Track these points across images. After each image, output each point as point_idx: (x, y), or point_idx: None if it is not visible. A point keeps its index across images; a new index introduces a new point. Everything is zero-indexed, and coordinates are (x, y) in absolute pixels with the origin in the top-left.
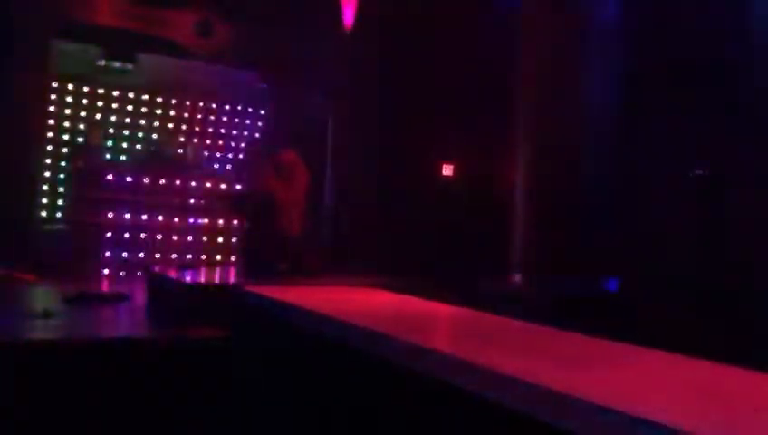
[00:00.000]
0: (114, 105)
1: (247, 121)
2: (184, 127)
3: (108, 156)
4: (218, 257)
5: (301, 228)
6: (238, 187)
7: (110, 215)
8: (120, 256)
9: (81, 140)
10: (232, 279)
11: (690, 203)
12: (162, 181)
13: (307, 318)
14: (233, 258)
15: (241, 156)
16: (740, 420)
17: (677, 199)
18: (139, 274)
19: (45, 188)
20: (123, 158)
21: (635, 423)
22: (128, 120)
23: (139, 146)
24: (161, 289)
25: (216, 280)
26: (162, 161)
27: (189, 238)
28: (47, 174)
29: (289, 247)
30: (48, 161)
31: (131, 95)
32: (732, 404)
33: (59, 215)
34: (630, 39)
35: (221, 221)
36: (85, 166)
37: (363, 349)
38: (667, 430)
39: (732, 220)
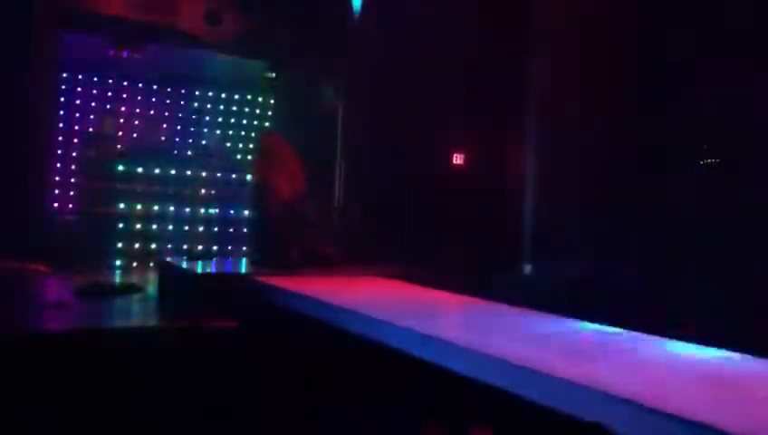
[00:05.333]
0: (124, 95)
1: (257, 111)
2: (194, 117)
3: (119, 146)
4: (229, 247)
5: (295, 197)
6: (248, 177)
7: (122, 205)
8: (132, 246)
9: (91, 130)
10: (243, 269)
11: (702, 191)
12: (173, 171)
13: (318, 308)
14: (244, 248)
15: (251, 145)
16: (753, 408)
17: (690, 186)
18: (150, 264)
19: (57, 179)
20: (134, 148)
21: (648, 414)
22: (138, 109)
23: (147, 136)
24: (173, 280)
25: (228, 270)
26: (172, 152)
27: (201, 229)
28: (58, 165)
29: (301, 235)
30: (59, 152)
31: (140, 85)
32: (743, 392)
33: (70, 206)
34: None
35: (232, 211)
36: (96, 156)
37: (374, 338)
38: (683, 421)
39: (741, 208)
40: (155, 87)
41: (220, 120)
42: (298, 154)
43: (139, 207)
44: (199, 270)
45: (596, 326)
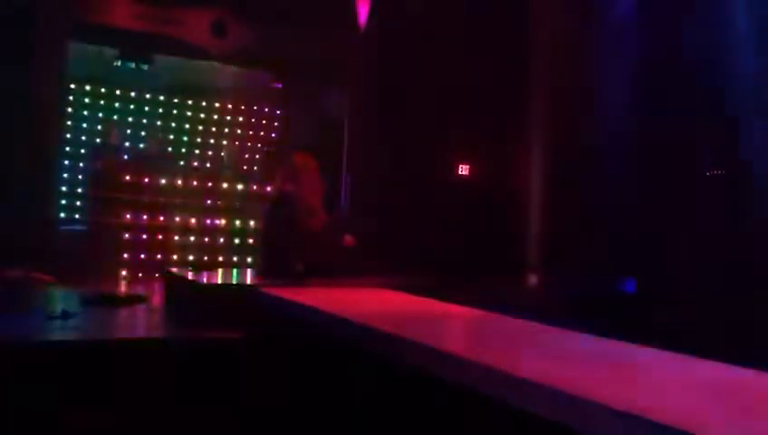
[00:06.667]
0: (131, 106)
1: (263, 122)
2: (200, 127)
3: (125, 157)
4: (235, 259)
5: (320, 228)
6: (254, 187)
7: (128, 216)
8: (138, 257)
9: (98, 141)
10: (248, 280)
11: (708, 203)
12: (179, 182)
13: (321, 319)
14: (249, 259)
15: (257, 156)
16: (759, 424)
17: (695, 199)
18: (156, 275)
19: (63, 189)
20: (141, 158)
21: (653, 428)
22: (145, 120)
23: (155, 146)
24: (178, 290)
25: (232, 281)
26: (179, 163)
27: (206, 239)
28: (65, 175)
29: (306, 248)
30: (66, 162)
31: (148, 96)
32: (750, 407)
33: (77, 216)
34: (646, 33)
35: (238, 222)
36: (103, 167)
37: (377, 351)
38: None
39: (750, 220)
40: (161, 98)
41: (226, 130)
42: (320, 174)
43: (144, 217)
44: (205, 281)
45: (597, 338)
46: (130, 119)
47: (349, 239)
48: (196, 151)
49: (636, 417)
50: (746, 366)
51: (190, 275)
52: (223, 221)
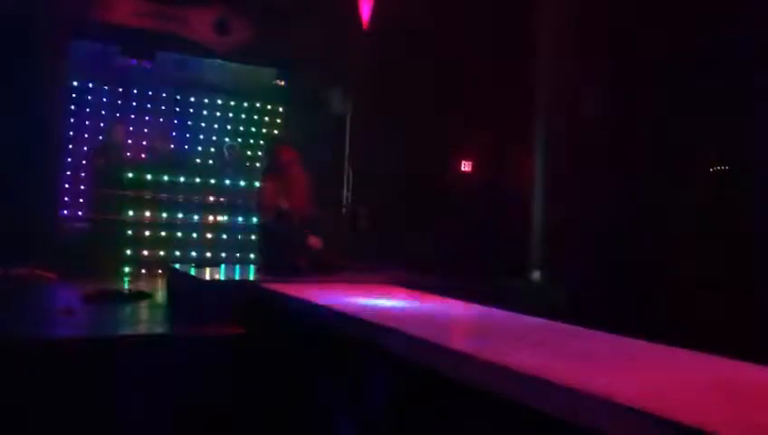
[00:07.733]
0: (134, 103)
1: (266, 119)
2: (203, 124)
3: (128, 154)
4: (237, 255)
5: (308, 215)
6: (257, 185)
7: (131, 213)
8: (141, 253)
9: (101, 138)
10: (250, 276)
11: (711, 199)
12: (182, 179)
13: (323, 315)
14: (252, 256)
15: (260, 153)
16: (763, 419)
17: (699, 195)
18: (159, 271)
19: (67, 186)
20: (144, 156)
21: (659, 423)
22: (147, 118)
23: (158, 144)
24: (181, 286)
25: (235, 277)
26: (183, 160)
27: (209, 236)
28: (68, 172)
29: (307, 245)
30: (69, 160)
31: (150, 93)
32: (754, 403)
33: (80, 213)
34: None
35: (240, 219)
36: (106, 164)
37: (379, 346)
38: (692, 431)
39: (754, 216)
40: (164, 95)
41: (229, 127)
42: (308, 175)
43: (147, 214)
44: (207, 277)
45: (598, 333)
46: (133, 116)
47: (316, 241)
48: (200, 148)
49: (644, 413)
50: (750, 363)
51: (193, 272)
52: (225, 217)
